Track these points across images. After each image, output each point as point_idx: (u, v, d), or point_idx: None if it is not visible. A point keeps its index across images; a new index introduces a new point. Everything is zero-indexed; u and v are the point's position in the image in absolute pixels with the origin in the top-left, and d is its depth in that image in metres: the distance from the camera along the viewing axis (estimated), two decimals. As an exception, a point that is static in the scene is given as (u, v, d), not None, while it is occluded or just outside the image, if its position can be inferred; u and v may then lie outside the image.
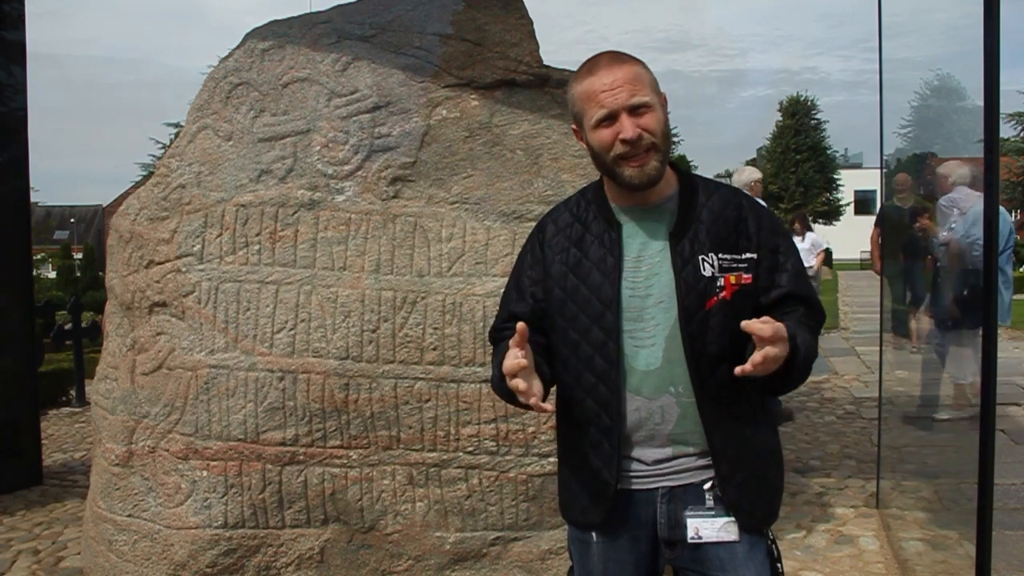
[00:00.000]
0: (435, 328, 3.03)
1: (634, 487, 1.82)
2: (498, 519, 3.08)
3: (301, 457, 3.06)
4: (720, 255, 1.76)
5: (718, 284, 1.75)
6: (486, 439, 3.03)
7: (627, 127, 1.72)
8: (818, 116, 44.35)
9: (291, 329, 3.05)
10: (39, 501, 5.11)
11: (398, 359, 3.03)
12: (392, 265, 3.08)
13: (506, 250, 3.07)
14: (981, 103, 2.63)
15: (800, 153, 42.66)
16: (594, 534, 1.87)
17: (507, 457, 3.04)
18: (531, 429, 3.03)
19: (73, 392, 8.55)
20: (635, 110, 1.73)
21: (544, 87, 3.23)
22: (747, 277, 1.77)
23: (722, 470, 1.78)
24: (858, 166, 49.16)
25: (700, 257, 1.76)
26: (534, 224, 2.01)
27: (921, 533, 4.05)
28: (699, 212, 1.81)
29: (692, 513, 1.79)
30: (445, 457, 3.05)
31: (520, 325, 1.62)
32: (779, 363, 1.61)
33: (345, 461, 3.06)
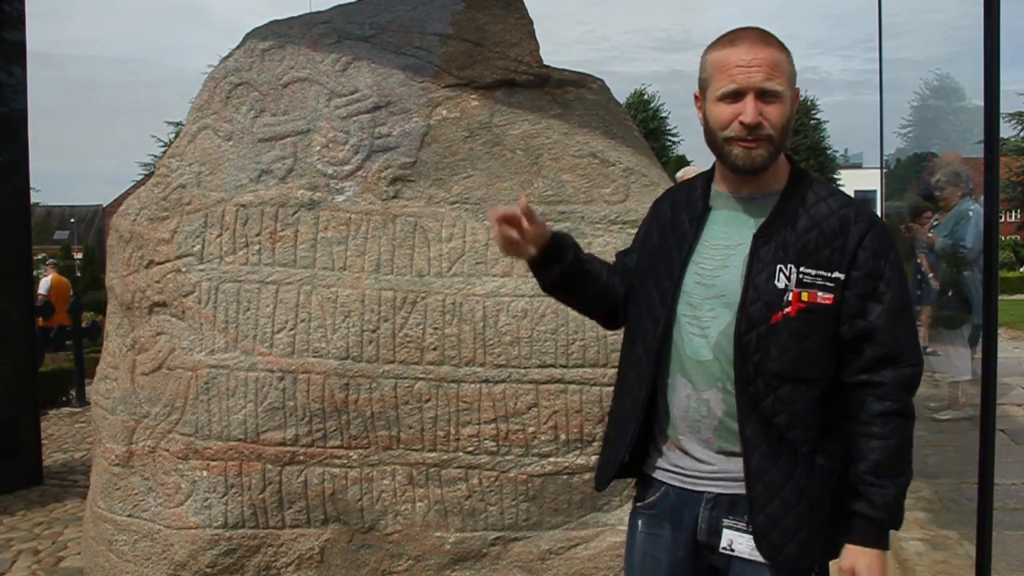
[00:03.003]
0: (435, 328, 3.03)
1: (683, 486, 1.77)
2: (498, 519, 3.08)
3: (301, 457, 3.06)
4: (803, 268, 1.62)
5: (786, 298, 1.61)
6: (486, 439, 3.03)
7: (749, 110, 1.63)
8: (818, 116, 44.37)
9: (291, 329, 3.05)
10: (39, 501, 5.11)
11: (398, 359, 3.03)
12: (392, 265, 3.08)
13: (506, 250, 3.06)
14: (981, 103, 2.64)
15: (800, 153, 42.66)
16: (640, 522, 1.85)
17: (507, 457, 3.04)
18: (531, 429, 3.03)
19: (73, 392, 8.56)
20: (764, 95, 1.64)
21: (544, 87, 3.23)
22: (826, 297, 1.61)
23: (756, 494, 1.65)
24: (858, 166, 49.13)
25: (779, 266, 1.62)
26: None
27: (921, 533, 4.05)
28: (796, 216, 1.66)
29: (730, 523, 1.71)
30: (445, 457, 3.05)
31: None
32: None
33: (345, 461, 3.06)
